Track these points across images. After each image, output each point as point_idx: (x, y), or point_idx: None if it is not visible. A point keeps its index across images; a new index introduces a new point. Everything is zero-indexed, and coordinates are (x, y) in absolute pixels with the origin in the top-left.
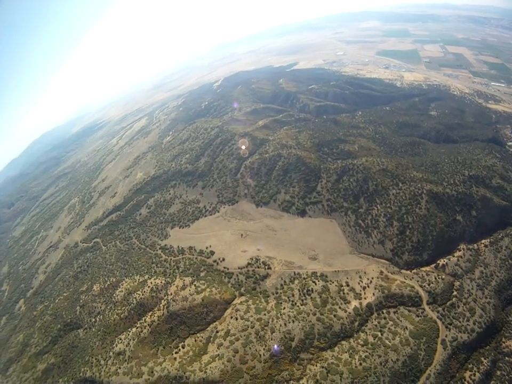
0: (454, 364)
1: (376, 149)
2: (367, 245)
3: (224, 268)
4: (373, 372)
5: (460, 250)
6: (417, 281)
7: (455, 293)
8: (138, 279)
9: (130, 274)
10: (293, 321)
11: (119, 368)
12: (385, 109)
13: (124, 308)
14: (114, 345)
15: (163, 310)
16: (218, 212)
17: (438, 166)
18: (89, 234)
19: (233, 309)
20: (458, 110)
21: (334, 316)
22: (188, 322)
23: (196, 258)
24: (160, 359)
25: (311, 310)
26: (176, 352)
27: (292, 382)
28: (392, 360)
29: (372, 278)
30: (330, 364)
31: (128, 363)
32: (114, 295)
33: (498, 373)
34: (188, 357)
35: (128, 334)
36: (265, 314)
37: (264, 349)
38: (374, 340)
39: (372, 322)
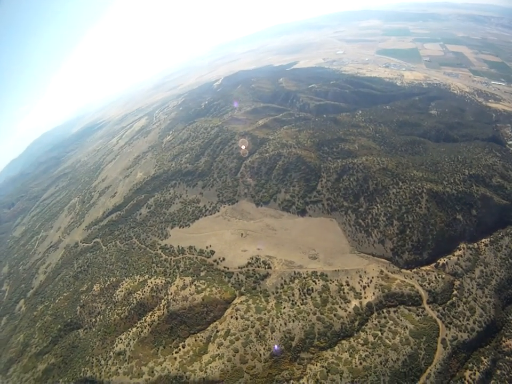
0: (454, 363)
1: (376, 148)
2: (367, 244)
3: (224, 267)
4: (373, 371)
5: (460, 250)
6: (418, 280)
7: (455, 292)
8: (139, 279)
9: (131, 274)
10: (293, 321)
11: (120, 368)
12: (385, 108)
13: (124, 307)
14: (114, 345)
15: (163, 309)
16: (218, 211)
17: (438, 165)
18: (89, 234)
19: (234, 309)
20: (458, 109)
21: (334, 315)
22: (188, 322)
23: (196, 258)
24: (161, 359)
25: (311, 310)
26: (176, 352)
27: (292, 381)
28: (392, 359)
29: (372, 277)
30: (331, 363)
31: (128, 363)
32: (114, 295)
33: (499, 372)
34: (188, 356)
35: (129, 334)
36: (265, 314)
37: (264, 349)
38: (374, 339)
39: (372, 321)
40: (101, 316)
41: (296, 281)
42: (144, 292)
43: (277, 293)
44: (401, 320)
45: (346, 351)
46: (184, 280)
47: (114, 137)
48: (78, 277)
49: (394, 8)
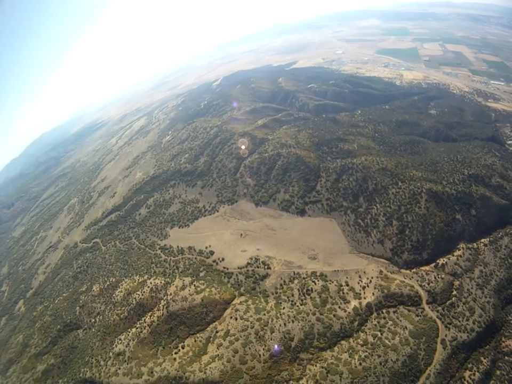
0: (453, 363)
1: (376, 147)
2: (367, 244)
3: (224, 267)
4: (372, 371)
5: (459, 250)
6: (417, 280)
7: (454, 292)
8: (138, 279)
9: (130, 275)
10: (293, 321)
11: (119, 368)
12: (384, 107)
13: (123, 308)
14: (114, 345)
15: (163, 310)
16: (217, 211)
17: (437, 165)
18: (89, 234)
19: (233, 309)
20: (457, 109)
21: (334, 315)
22: (187, 323)
23: (196, 258)
24: (160, 359)
25: (310, 310)
26: (175, 353)
27: (291, 382)
28: (391, 360)
29: (372, 278)
30: (330, 364)
31: (128, 363)
32: (113, 295)
33: (498, 372)
34: (188, 357)
35: (128, 335)
36: (264, 314)
37: (263, 349)
38: (373, 339)
39: (372, 322)
40: (101, 316)
41: (296, 281)
42: (144, 292)
43: (276, 293)
44: (400, 320)
45: (345, 352)
46: (183, 280)
47: (113, 137)
48: (78, 277)
49: (394, 7)
